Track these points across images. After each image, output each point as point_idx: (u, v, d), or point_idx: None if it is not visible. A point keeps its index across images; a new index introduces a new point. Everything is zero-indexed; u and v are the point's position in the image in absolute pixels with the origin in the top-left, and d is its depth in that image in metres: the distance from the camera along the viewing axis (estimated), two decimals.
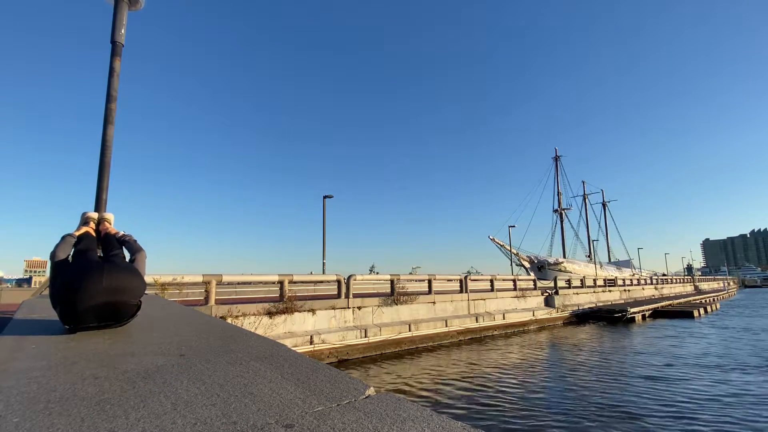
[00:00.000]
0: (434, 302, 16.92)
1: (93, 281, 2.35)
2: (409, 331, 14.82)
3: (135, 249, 3.04)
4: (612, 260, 71.84)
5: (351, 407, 1.20)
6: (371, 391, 1.35)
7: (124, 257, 2.98)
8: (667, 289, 48.41)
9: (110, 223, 3.49)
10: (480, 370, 11.58)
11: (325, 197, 23.02)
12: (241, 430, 1.05)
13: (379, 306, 14.56)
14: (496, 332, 18.30)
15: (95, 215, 3.55)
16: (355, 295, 14.24)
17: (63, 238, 2.88)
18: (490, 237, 46.80)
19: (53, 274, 2.71)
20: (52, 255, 2.70)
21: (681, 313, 26.94)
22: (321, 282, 15.27)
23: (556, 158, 64.31)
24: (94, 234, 3.23)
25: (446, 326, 16.29)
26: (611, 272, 52.47)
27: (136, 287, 2.60)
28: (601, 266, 56.10)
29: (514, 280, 23.43)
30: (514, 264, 45.41)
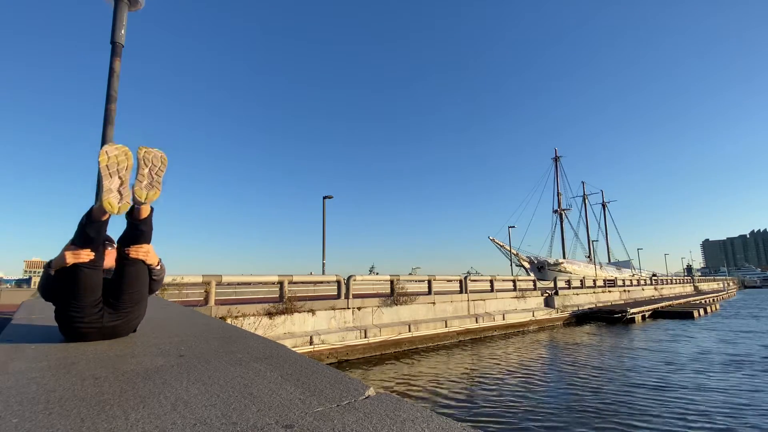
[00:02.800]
0: (434, 303, 16.92)
1: (90, 327, 2.26)
2: (409, 331, 14.81)
3: (158, 287, 2.64)
4: (612, 261, 71.91)
5: (351, 408, 1.21)
6: (371, 391, 1.35)
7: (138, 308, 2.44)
8: (667, 290, 48.39)
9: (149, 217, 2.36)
10: (480, 370, 11.57)
11: (324, 197, 23.02)
12: (241, 430, 1.05)
13: (378, 306, 14.55)
14: (495, 333, 18.29)
15: (114, 204, 2.06)
16: (355, 296, 14.23)
17: (44, 271, 2.30)
18: (490, 237, 46.87)
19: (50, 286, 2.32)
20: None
21: (681, 313, 26.92)
22: (321, 282, 15.25)
23: (556, 159, 64.37)
24: (90, 267, 2.19)
25: (446, 327, 16.28)
26: (611, 273, 52.48)
27: (135, 325, 2.56)
28: (601, 267, 56.13)
29: (513, 281, 23.42)
30: (513, 264, 45.49)
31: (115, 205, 2.07)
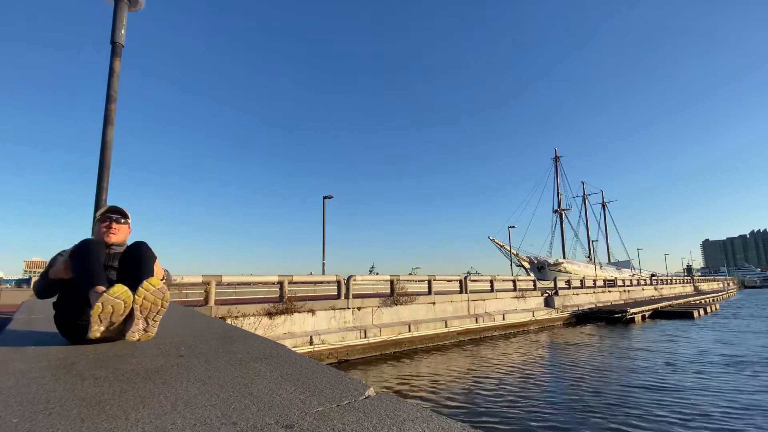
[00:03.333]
0: (434, 303, 16.91)
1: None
2: (409, 331, 14.81)
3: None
4: (612, 261, 71.97)
5: (351, 408, 1.21)
6: (371, 391, 1.35)
7: None
8: (667, 290, 48.39)
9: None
10: (480, 370, 11.57)
11: (324, 198, 23.02)
12: (241, 430, 1.05)
13: (378, 307, 14.55)
14: (495, 333, 18.28)
15: (98, 336, 1.96)
16: (355, 296, 14.22)
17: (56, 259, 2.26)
18: (490, 237, 46.89)
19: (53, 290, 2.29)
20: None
21: (681, 313, 26.91)
22: (321, 282, 15.25)
23: (556, 159, 64.43)
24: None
25: (446, 327, 16.28)
26: (611, 273, 52.49)
27: None
28: (601, 267, 56.15)
29: (513, 281, 23.42)
30: (513, 264, 45.51)
31: (99, 337, 1.90)
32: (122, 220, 2.46)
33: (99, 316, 1.81)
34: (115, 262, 2.36)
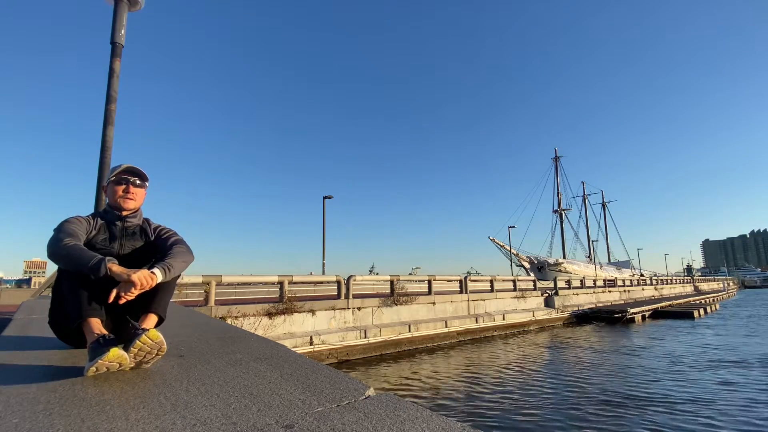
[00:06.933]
0: (434, 303, 16.91)
1: None
2: (409, 331, 14.81)
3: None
4: (612, 261, 71.93)
5: (351, 408, 1.21)
6: (371, 391, 1.35)
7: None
8: (667, 290, 48.38)
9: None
10: (480, 370, 11.57)
11: (324, 198, 23.05)
12: (241, 430, 1.05)
13: (378, 307, 14.55)
14: (496, 333, 18.28)
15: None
16: (355, 296, 14.22)
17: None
18: (490, 238, 46.85)
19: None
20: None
21: (681, 313, 26.89)
22: (321, 283, 15.26)
23: (556, 159, 64.43)
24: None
25: (446, 327, 16.28)
26: (611, 273, 52.47)
27: None
28: (601, 267, 56.12)
29: (513, 281, 23.41)
30: (514, 264, 45.48)
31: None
32: (140, 183, 2.20)
33: (94, 372, 1.65)
34: (126, 238, 2.12)
